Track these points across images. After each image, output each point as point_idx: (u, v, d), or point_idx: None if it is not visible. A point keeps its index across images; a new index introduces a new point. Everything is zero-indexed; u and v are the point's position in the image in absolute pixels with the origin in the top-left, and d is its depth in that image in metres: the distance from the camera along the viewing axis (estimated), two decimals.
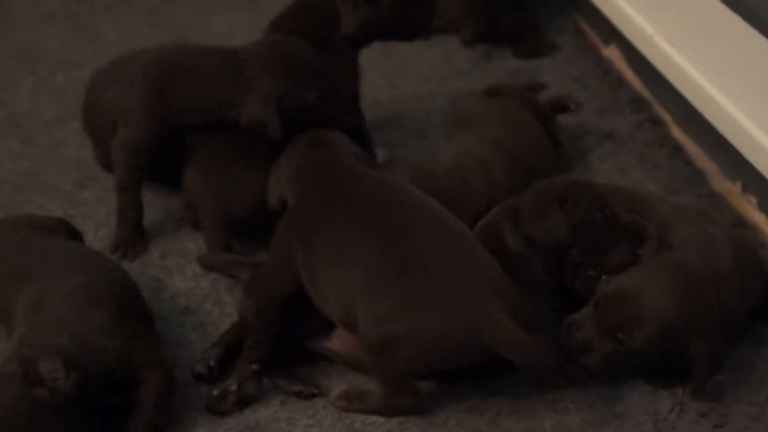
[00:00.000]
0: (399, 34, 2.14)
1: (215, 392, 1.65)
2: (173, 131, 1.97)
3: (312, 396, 1.66)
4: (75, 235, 1.92)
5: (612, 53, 2.67)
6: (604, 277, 1.66)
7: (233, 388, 1.65)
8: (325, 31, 2.05)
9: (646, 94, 2.52)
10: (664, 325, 1.58)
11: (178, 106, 1.95)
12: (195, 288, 1.93)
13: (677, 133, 2.35)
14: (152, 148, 1.98)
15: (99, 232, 2.06)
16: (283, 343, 1.72)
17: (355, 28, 2.03)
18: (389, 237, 1.56)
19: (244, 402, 1.65)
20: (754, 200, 2.08)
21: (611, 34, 2.66)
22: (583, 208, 1.72)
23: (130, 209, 2.02)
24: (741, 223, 2.04)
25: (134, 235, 2.02)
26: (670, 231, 1.73)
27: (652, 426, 1.58)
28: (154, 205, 2.12)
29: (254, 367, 1.66)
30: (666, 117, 2.44)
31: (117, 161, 2.00)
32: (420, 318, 1.50)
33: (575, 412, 1.62)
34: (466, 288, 1.51)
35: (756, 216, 2.06)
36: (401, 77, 2.57)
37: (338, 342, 1.71)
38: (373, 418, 1.62)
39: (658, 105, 2.48)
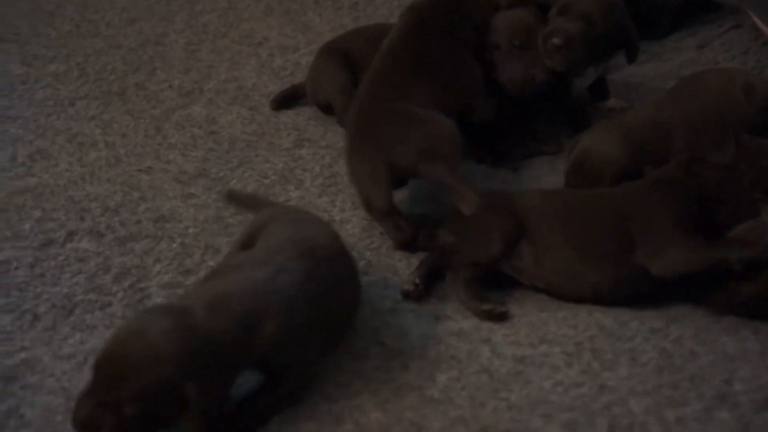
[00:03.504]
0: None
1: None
2: None
3: (502, 315, 1.87)
4: None
5: None
6: None
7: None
8: None
9: None
10: None
11: None
12: None
13: None
14: None
15: (315, 182, 2.38)
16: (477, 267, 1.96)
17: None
18: None
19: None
20: None
21: None
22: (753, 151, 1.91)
23: None
24: None
25: None
26: None
27: None
28: None
29: None
30: None
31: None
32: None
33: (754, 341, 1.75)
34: None
35: None
36: None
37: (529, 263, 1.93)
38: (565, 329, 1.82)
39: None
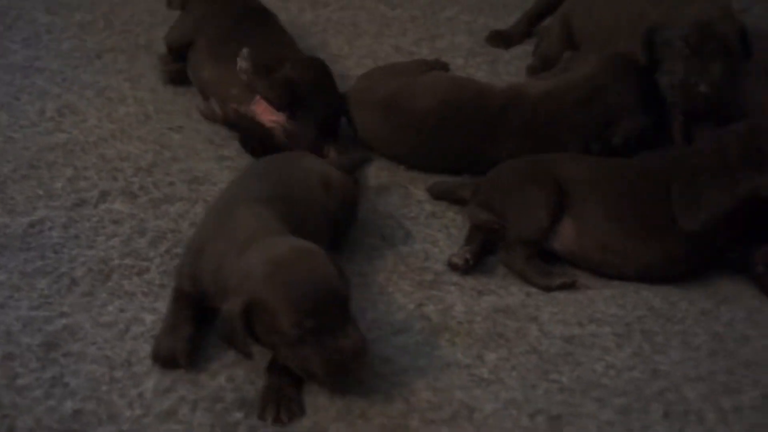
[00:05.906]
0: None
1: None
2: None
3: (574, 284, 1.84)
4: None
5: None
6: None
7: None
8: None
9: None
10: None
11: None
12: None
13: None
14: None
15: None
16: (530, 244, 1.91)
17: None
18: None
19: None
20: None
21: None
22: None
23: None
24: None
25: None
26: None
27: None
28: None
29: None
30: None
31: None
32: None
33: None
34: None
35: None
36: None
37: (570, 238, 1.89)
38: (613, 309, 1.79)
39: None
